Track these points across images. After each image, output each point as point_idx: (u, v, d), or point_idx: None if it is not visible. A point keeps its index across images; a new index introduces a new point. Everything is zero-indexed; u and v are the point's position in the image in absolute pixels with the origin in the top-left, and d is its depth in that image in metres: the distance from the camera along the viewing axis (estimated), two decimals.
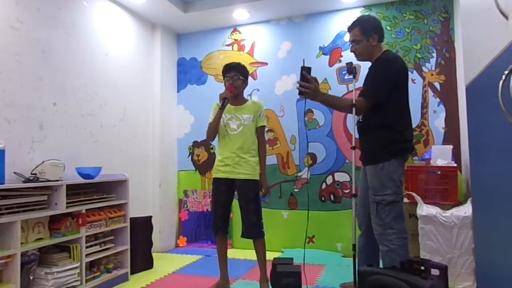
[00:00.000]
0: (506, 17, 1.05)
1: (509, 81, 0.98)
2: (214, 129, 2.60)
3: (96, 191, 2.76)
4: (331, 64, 3.71)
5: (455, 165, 2.91)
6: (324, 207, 3.64)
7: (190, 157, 4.19)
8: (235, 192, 2.63)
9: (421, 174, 2.94)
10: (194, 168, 4.17)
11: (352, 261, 2.35)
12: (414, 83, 3.42)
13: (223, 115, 2.61)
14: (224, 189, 2.59)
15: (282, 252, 3.58)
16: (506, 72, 0.99)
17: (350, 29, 2.32)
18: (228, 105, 2.62)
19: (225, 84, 2.64)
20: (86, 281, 2.49)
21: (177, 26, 4.10)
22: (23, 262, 2.09)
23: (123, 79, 3.54)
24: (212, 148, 4.10)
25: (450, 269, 2.34)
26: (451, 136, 3.31)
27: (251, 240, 2.57)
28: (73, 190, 2.53)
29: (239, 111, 2.62)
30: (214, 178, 2.65)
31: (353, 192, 2.36)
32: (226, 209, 2.61)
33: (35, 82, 2.61)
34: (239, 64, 2.67)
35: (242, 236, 2.57)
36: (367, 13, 3.55)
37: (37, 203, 2.27)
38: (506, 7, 1.05)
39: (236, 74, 2.60)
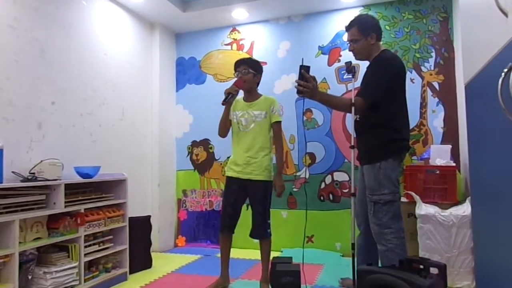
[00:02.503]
0: (506, 15, 1.05)
1: (508, 79, 0.98)
2: (222, 126, 2.60)
3: (94, 191, 2.76)
4: (330, 64, 3.71)
5: (454, 164, 2.92)
6: (323, 207, 3.64)
7: (189, 156, 4.18)
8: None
9: (420, 173, 2.94)
10: (193, 168, 4.16)
11: (351, 260, 2.34)
12: (413, 82, 3.42)
13: (236, 112, 2.60)
14: (235, 188, 2.59)
15: (282, 251, 3.57)
16: (506, 70, 0.99)
17: (348, 28, 2.32)
18: (241, 101, 2.62)
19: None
20: (85, 280, 2.49)
21: (176, 25, 4.09)
22: (21, 261, 2.08)
23: (122, 78, 3.53)
24: (211, 148, 4.09)
25: (449, 268, 2.34)
26: (450, 135, 3.31)
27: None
28: (72, 190, 2.52)
29: (251, 107, 2.59)
30: (226, 177, 2.65)
31: (352, 191, 2.36)
32: (235, 208, 2.60)
33: (33, 81, 2.60)
34: (249, 58, 2.68)
35: (250, 235, 2.59)
36: (365, 12, 3.55)
37: (36, 202, 2.26)
38: (505, 4, 1.05)
39: (245, 67, 2.56)
